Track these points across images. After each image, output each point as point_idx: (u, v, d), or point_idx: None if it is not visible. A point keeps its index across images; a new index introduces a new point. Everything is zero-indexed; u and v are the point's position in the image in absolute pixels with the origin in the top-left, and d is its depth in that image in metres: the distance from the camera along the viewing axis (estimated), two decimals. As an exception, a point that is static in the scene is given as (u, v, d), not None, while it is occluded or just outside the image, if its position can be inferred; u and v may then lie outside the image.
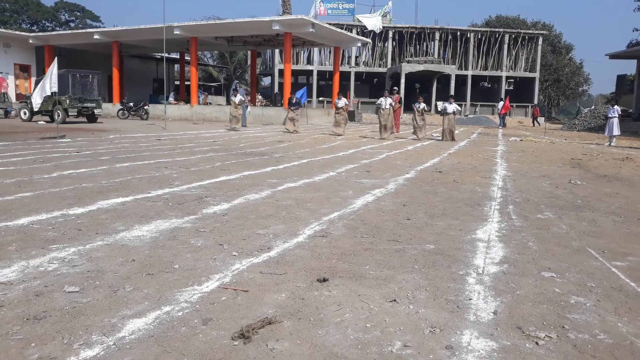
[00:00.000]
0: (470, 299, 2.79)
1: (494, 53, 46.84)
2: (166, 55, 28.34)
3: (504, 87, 46.50)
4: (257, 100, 33.17)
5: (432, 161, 10.02)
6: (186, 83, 35.43)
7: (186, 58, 34.37)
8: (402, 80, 41.40)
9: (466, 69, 46.41)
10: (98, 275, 3.01)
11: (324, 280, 3.01)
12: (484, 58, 47.06)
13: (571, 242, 4.12)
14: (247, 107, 22.67)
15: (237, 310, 2.56)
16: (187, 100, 28.84)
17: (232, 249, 3.61)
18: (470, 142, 16.28)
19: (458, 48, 46.88)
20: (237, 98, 19.72)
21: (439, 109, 15.70)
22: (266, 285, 2.93)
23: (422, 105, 16.51)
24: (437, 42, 46.62)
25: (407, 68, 42.17)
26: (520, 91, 47.53)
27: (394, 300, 2.75)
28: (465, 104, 45.62)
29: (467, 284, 3.04)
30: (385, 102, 16.18)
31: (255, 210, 4.96)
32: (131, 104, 26.77)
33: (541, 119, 34.98)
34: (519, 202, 5.80)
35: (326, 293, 2.83)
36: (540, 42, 46.87)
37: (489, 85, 50.94)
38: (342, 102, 17.97)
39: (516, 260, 3.54)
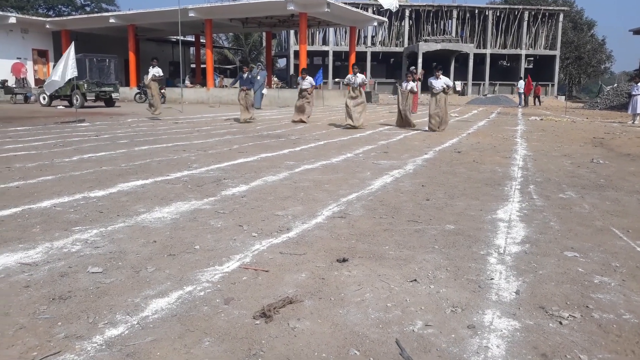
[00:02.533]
0: (492, 279, 2.77)
1: (513, 31, 45.86)
2: (181, 38, 28.29)
3: (524, 65, 45.60)
4: (272, 82, 33.03)
5: (451, 141, 9.90)
6: (202, 66, 35.47)
7: (201, 41, 34.32)
8: (420, 60, 40.85)
9: (485, 47, 45.58)
10: (120, 256, 3.05)
11: (344, 260, 3.01)
12: (502, 36, 46.12)
13: (594, 221, 4.05)
14: (263, 89, 22.49)
15: (258, 290, 2.58)
16: (203, 83, 28.87)
17: (251, 230, 3.63)
18: (489, 122, 16.04)
19: (476, 26, 45.99)
20: (151, 73, 15.01)
21: (428, 85, 12.42)
22: (286, 265, 2.94)
23: (410, 84, 12.94)
24: (454, 21, 45.79)
25: (424, 47, 41.59)
26: (540, 69, 46.56)
27: (415, 280, 2.74)
28: (484, 83, 44.92)
29: (489, 263, 3.02)
30: (355, 81, 12.86)
31: (274, 191, 4.97)
32: (148, 87, 26.84)
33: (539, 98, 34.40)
34: (540, 182, 5.72)
35: (346, 273, 2.83)
36: (561, 18, 45.67)
37: (508, 64, 50.00)
38: (307, 82, 14.46)
39: (538, 240, 3.50)
